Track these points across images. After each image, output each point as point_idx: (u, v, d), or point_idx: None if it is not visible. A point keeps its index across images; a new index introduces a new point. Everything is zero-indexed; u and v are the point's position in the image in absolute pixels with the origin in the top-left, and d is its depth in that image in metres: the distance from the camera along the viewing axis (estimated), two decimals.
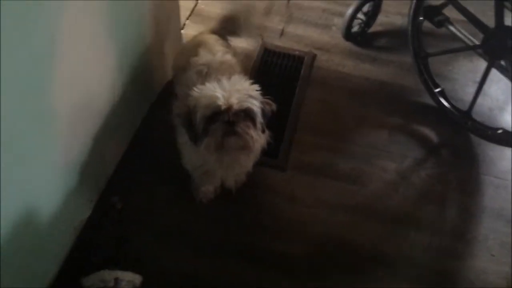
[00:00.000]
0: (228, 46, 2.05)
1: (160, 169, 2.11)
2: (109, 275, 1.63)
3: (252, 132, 1.57)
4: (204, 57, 1.82)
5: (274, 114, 1.68)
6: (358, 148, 2.27)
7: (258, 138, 1.62)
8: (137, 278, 1.67)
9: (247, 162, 1.79)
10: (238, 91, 1.55)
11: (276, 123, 1.88)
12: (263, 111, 1.61)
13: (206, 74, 1.74)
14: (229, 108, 1.53)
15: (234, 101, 1.53)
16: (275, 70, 2.54)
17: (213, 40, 1.96)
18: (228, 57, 1.87)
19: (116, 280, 1.61)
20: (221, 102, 1.52)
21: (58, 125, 1.54)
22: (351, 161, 2.22)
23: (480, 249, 1.97)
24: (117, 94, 1.91)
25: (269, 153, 1.96)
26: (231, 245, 1.92)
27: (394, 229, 2.02)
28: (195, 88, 1.61)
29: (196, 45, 1.91)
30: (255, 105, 1.57)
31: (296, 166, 2.18)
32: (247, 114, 1.56)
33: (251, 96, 1.57)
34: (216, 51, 1.86)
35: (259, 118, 1.59)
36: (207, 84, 1.61)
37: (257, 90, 1.62)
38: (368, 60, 2.64)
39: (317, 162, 2.20)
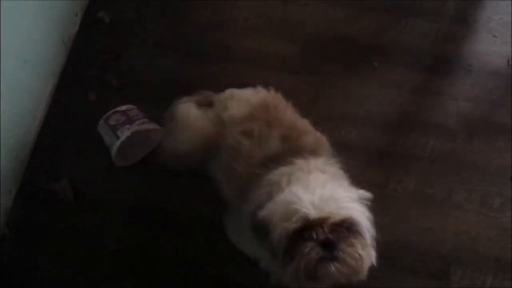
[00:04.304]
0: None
1: None
2: None
3: (361, 251, 1.04)
4: (236, 107, 1.32)
5: None
6: None
7: (367, 256, 1.07)
8: None
9: None
10: (332, 192, 1.05)
11: None
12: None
13: (260, 135, 1.24)
14: (323, 220, 1.01)
15: (331, 209, 1.01)
16: None
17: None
18: (264, 94, 1.39)
19: None
20: (310, 211, 1.00)
21: None
22: None
23: (481, 32, 1.91)
24: None
25: None
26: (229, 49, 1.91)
27: (391, 18, 1.94)
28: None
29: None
30: (360, 211, 1.06)
31: None
32: (350, 226, 1.04)
33: (351, 199, 1.06)
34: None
35: (368, 229, 1.07)
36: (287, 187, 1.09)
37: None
38: None
39: None
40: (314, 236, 1.00)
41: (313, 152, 1.20)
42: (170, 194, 1.65)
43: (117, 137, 1.60)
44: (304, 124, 1.31)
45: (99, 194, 1.66)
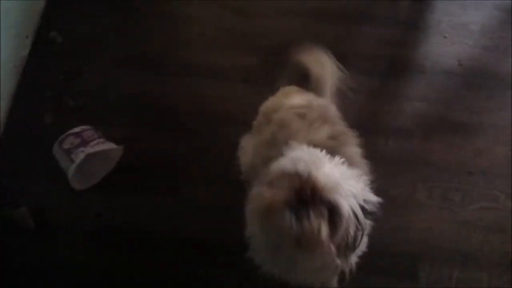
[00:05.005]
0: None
1: None
2: None
3: (324, 234, 1.00)
4: (299, 98, 1.36)
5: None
6: None
7: (331, 253, 1.04)
8: None
9: (318, 272, 1.18)
10: (335, 172, 1.03)
11: None
12: (358, 221, 1.04)
13: (312, 121, 1.25)
14: (315, 188, 0.99)
15: (322, 182, 0.99)
16: None
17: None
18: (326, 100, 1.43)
19: None
20: (315, 173, 1.00)
21: None
22: None
23: (432, 34, 1.97)
24: None
25: None
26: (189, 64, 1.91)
27: (346, 27, 1.99)
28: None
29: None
30: (348, 205, 1.02)
31: None
32: (329, 210, 1.00)
33: (350, 191, 1.02)
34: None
35: (346, 227, 1.02)
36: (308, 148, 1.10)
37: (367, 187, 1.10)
38: None
39: None
40: (293, 184, 0.99)
41: (352, 163, 1.17)
42: (137, 213, 1.61)
43: (72, 161, 1.56)
44: (353, 137, 1.33)
45: (62, 219, 1.61)
